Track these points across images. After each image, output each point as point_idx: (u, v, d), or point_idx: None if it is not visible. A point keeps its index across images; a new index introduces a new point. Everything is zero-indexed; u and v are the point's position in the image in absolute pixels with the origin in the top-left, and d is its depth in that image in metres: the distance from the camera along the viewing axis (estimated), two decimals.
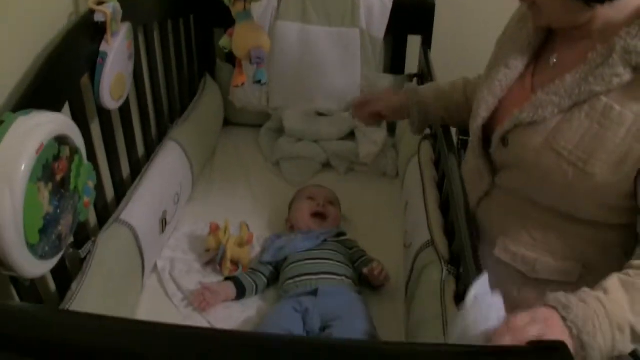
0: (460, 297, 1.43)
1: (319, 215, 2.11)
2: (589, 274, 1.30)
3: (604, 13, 1.28)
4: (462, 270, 1.49)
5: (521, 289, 1.47)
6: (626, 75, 1.22)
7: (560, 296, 1.13)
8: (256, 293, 1.91)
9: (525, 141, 1.37)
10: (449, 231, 1.68)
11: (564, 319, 1.08)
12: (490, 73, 1.52)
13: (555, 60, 1.41)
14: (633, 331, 1.12)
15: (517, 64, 1.46)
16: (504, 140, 1.43)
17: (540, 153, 1.33)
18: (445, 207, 1.78)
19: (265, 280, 1.92)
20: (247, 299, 1.90)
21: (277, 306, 1.78)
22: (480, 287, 1.19)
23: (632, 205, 1.29)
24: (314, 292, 1.76)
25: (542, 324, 1.06)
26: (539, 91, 1.35)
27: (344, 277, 1.83)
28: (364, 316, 1.71)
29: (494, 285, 1.20)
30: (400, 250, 2.01)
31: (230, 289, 1.86)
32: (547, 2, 1.32)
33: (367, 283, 1.90)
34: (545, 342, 1.00)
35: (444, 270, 1.53)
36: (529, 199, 1.44)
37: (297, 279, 1.82)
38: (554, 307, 1.10)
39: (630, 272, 1.19)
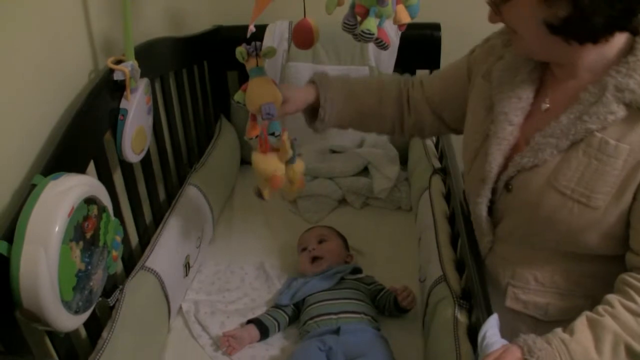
0: (472, 331, 1.49)
1: (316, 259, 2.13)
2: None
3: (590, 54, 1.32)
4: (473, 309, 1.54)
5: (536, 331, 1.52)
6: (620, 112, 1.27)
7: (528, 339, 1.25)
8: (279, 330, 1.95)
9: (528, 184, 1.41)
10: (460, 266, 1.73)
11: None
12: (496, 130, 1.49)
13: (547, 105, 1.44)
14: None
15: (519, 119, 1.47)
16: (508, 186, 1.47)
17: (543, 194, 1.38)
18: (456, 241, 1.83)
19: (286, 317, 1.96)
20: (270, 337, 1.94)
21: (302, 345, 1.82)
22: (489, 325, 1.30)
23: None
24: (337, 331, 1.79)
25: None
26: (537, 135, 1.39)
27: (362, 315, 1.87)
28: (385, 352, 1.75)
29: (509, 330, 1.30)
30: (416, 284, 2.05)
31: (254, 331, 1.90)
32: (526, 33, 1.34)
33: (388, 313, 1.95)
34: None
35: (456, 306, 1.58)
36: (532, 246, 1.49)
37: (318, 319, 1.86)
38: (521, 348, 1.23)
39: (601, 309, 1.27)
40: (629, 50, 1.31)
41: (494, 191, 1.52)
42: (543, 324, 1.52)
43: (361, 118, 1.86)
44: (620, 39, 1.31)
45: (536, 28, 1.29)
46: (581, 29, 1.25)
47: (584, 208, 1.34)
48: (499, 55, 1.57)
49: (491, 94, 1.54)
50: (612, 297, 1.29)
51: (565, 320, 1.46)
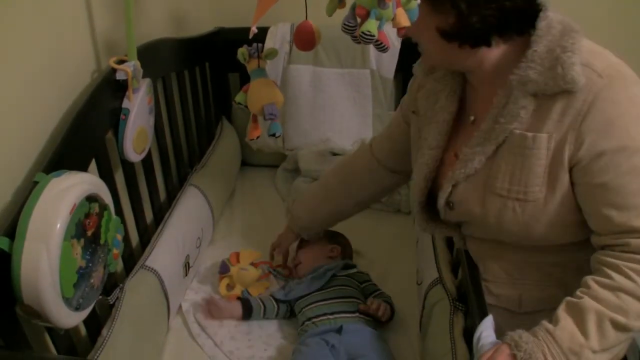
0: (468, 332, 1.51)
1: (296, 266, 2.18)
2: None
3: (490, 57, 1.37)
4: (468, 311, 1.55)
5: (512, 323, 1.54)
6: (530, 105, 1.31)
7: (515, 334, 1.27)
8: (264, 315, 1.98)
9: (467, 196, 1.46)
10: (456, 268, 1.74)
11: (514, 356, 1.23)
12: (417, 157, 1.59)
13: (472, 117, 1.49)
14: (592, 351, 1.22)
15: (439, 141, 1.54)
16: (449, 204, 1.52)
17: (484, 201, 1.42)
18: (452, 244, 1.83)
19: (275, 306, 1.99)
20: (269, 337, 1.95)
21: (306, 342, 1.80)
22: (484, 327, 1.32)
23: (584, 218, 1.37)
24: (339, 330, 1.80)
25: None
26: (464, 148, 1.44)
27: (358, 314, 1.88)
28: (385, 353, 1.77)
29: None
30: (414, 286, 2.06)
31: (237, 308, 1.95)
32: (426, 44, 1.42)
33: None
34: None
35: (452, 307, 1.60)
36: (497, 242, 1.52)
37: (316, 319, 1.87)
38: (509, 344, 1.25)
39: (579, 292, 1.29)
40: (527, 46, 1.34)
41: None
42: (519, 316, 1.55)
43: (342, 214, 2.16)
44: (522, 40, 1.36)
45: (433, 37, 1.35)
46: (465, 32, 1.31)
47: (524, 204, 1.37)
48: (421, 85, 1.64)
49: (420, 126, 1.62)
50: (587, 279, 1.31)
51: (541, 311, 1.50)
